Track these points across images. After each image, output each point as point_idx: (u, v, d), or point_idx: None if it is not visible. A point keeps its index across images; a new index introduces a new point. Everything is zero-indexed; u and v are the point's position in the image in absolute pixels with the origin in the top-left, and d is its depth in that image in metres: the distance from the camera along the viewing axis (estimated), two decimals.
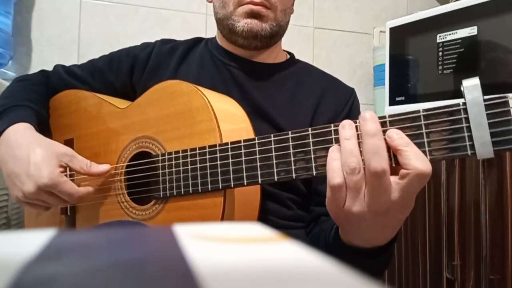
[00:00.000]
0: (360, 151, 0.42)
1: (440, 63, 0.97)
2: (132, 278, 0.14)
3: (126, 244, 0.19)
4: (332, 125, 0.46)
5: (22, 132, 0.64)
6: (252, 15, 0.69)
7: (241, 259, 0.16)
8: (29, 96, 0.73)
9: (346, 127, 0.44)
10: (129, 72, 0.78)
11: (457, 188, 0.93)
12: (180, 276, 0.14)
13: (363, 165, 0.42)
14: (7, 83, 0.94)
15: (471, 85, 0.40)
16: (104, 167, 0.65)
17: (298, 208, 0.70)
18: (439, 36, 0.97)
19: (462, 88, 0.40)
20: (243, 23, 0.69)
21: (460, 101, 0.41)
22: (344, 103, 0.74)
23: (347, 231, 0.49)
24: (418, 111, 0.42)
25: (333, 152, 0.44)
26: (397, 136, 0.41)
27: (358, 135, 0.43)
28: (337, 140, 0.46)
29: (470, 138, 0.39)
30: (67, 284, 0.13)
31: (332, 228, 0.58)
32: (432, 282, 0.99)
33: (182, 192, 0.58)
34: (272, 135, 0.50)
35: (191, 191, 0.57)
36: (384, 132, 0.42)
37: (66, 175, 0.66)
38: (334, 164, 0.43)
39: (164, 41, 0.82)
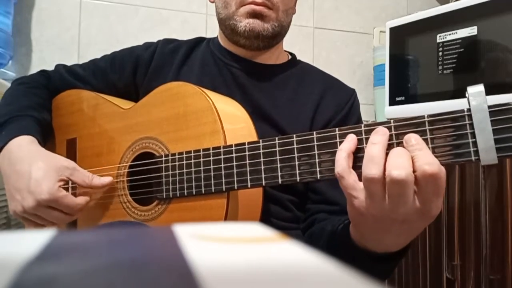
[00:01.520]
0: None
1: (440, 63, 0.97)
2: (132, 278, 0.14)
3: (126, 244, 0.19)
4: (337, 129, 0.46)
5: (24, 146, 0.64)
6: (254, 15, 0.69)
7: (241, 259, 0.16)
8: (30, 103, 0.72)
9: (378, 133, 0.43)
10: (132, 72, 0.78)
11: (457, 188, 0.93)
12: (180, 276, 0.14)
13: (384, 173, 0.40)
14: (7, 83, 0.94)
15: (476, 92, 0.40)
16: (106, 180, 0.65)
17: (297, 209, 0.70)
18: (439, 36, 0.97)
19: (466, 95, 0.41)
20: (245, 23, 0.69)
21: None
22: (344, 103, 0.74)
23: (361, 230, 0.48)
24: (423, 117, 0.42)
25: (344, 143, 0.45)
26: (414, 142, 0.41)
27: (389, 145, 0.42)
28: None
29: (474, 144, 0.40)
30: (67, 284, 0.13)
31: (338, 227, 0.57)
32: (432, 282, 0.99)
33: (185, 193, 0.58)
34: (276, 138, 0.50)
35: (194, 193, 0.57)
36: (403, 135, 0.42)
37: (68, 188, 0.66)
38: (338, 153, 0.44)
39: (166, 41, 0.82)
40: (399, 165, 0.39)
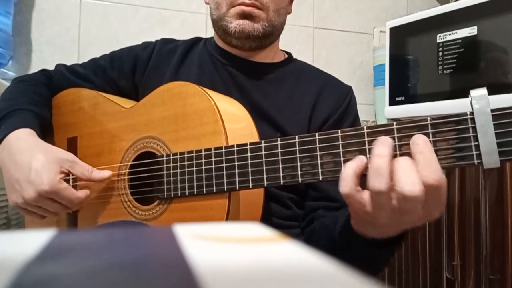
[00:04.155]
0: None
1: (440, 63, 0.97)
2: (132, 278, 0.14)
3: (126, 244, 0.19)
4: (339, 131, 0.46)
5: (24, 138, 0.64)
6: (244, 16, 0.69)
7: (241, 259, 0.16)
8: (30, 99, 0.73)
9: (382, 144, 0.42)
10: (131, 71, 0.79)
11: (457, 188, 0.93)
12: (180, 276, 0.14)
13: (392, 185, 0.40)
14: (7, 83, 0.94)
15: (479, 95, 0.40)
16: (106, 173, 0.65)
17: (296, 207, 0.71)
18: (439, 36, 0.97)
19: (469, 98, 0.41)
20: (235, 24, 0.69)
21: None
22: (341, 101, 0.75)
23: (364, 226, 0.49)
24: (426, 119, 0.42)
25: (352, 162, 0.44)
26: (421, 142, 0.40)
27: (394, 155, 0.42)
28: (344, 146, 0.46)
29: (477, 147, 0.40)
30: (67, 284, 0.13)
31: (337, 220, 0.57)
32: (432, 282, 0.99)
33: (187, 193, 0.58)
34: (278, 139, 0.50)
35: (195, 193, 0.57)
36: (406, 138, 0.42)
37: (68, 180, 0.66)
38: (345, 171, 0.43)
39: (164, 41, 0.83)
40: (411, 181, 0.39)
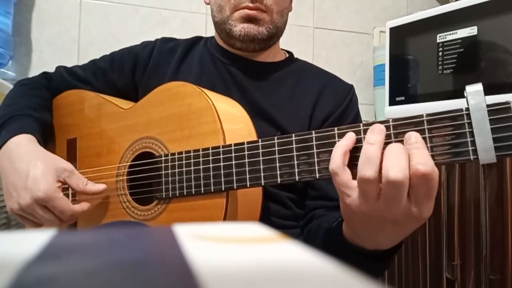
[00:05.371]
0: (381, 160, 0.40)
1: (440, 63, 0.97)
2: (132, 278, 0.14)
3: (126, 244, 0.19)
4: (336, 128, 0.46)
5: (23, 145, 0.64)
6: (249, 19, 0.69)
7: (241, 259, 0.16)
8: (31, 103, 0.73)
9: (375, 131, 0.42)
10: (131, 71, 0.79)
11: (457, 188, 0.93)
12: (180, 276, 0.14)
13: (380, 173, 0.40)
14: (7, 83, 0.94)
15: (474, 91, 0.40)
16: (99, 187, 0.65)
17: (296, 206, 0.71)
18: (439, 36, 0.97)
19: (465, 94, 0.40)
20: (240, 28, 0.69)
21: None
22: (342, 99, 0.74)
23: (352, 227, 0.48)
24: (422, 116, 0.42)
25: (342, 140, 0.44)
26: (414, 140, 0.40)
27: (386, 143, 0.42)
28: None
29: (473, 143, 0.40)
30: (67, 284, 0.13)
31: (333, 224, 0.57)
32: (432, 282, 0.99)
33: (185, 193, 0.58)
34: (275, 138, 0.50)
35: (193, 192, 0.57)
36: (401, 134, 0.42)
37: (68, 192, 0.66)
38: (334, 151, 0.44)
39: (164, 40, 0.83)
40: (397, 166, 0.39)
